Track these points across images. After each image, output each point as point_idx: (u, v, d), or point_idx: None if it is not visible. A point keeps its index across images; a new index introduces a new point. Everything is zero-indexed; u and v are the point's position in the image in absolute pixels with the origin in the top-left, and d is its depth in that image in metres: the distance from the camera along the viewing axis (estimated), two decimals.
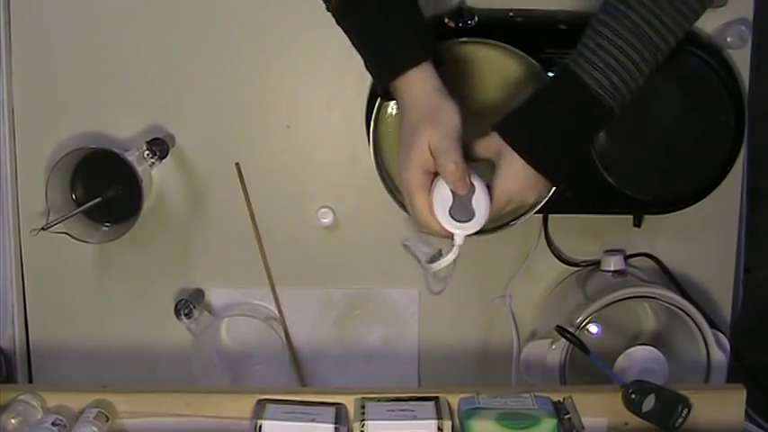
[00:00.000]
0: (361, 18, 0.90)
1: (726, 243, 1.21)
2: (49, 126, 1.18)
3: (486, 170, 0.92)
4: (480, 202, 0.89)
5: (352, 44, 0.92)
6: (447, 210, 0.89)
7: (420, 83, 0.89)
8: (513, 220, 1.06)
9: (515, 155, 0.89)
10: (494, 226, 1.08)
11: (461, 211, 0.89)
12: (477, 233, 0.90)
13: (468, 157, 0.90)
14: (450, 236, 0.91)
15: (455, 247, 0.91)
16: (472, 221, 0.90)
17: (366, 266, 1.22)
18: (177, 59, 1.17)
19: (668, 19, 0.86)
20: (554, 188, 1.00)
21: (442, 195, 0.89)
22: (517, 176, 0.90)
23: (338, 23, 0.92)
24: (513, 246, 1.20)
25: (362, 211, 1.20)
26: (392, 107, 1.08)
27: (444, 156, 0.87)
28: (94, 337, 1.23)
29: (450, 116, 0.88)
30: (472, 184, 0.89)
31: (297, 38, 1.16)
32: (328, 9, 0.92)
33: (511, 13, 1.10)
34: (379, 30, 0.89)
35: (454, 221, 0.89)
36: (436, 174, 0.89)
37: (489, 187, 0.90)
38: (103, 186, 1.15)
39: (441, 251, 1.00)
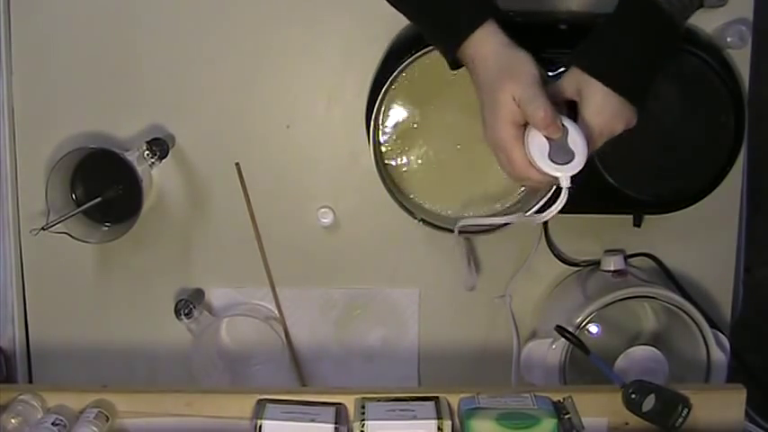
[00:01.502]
0: None
1: (726, 243, 1.21)
2: (49, 126, 1.18)
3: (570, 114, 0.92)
4: (576, 140, 0.89)
5: (411, 20, 0.93)
6: (546, 156, 0.88)
7: (489, 41, 0.89)
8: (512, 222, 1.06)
9: (597, 86, 0.89)
10: (495, 226, 1.09)
11: (560, 153, 0.88)
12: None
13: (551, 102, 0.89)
14: (554, 181, 0.90)
15: (564, 190, 0.90)
16: (574, 161, 0.89)
17: (366, 266, 1.22)
18: (177, 59, 1.17)
19: None
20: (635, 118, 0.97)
21: (538, 143, 0.88)
22: (603, 107, 0.90)
23: (391, 2, 0.93)
24: (513, 246, 1.20)
25: (362, 211, 1.20)
26: (392, 108, 1.09)
27: (532, 105, 0.86)
28: (94, 337, 1.23)
29: (527, 66, 0.88)
30: (564, 126, 0.88)
31: (297, 38, 1.16)
32: None
33: (511, 13, 1.10)
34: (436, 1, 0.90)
35: (557, 165, 0.89)
36: (525, 125, 0.89)
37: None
38: (103, 186, 1.15)
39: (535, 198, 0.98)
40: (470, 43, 0.89)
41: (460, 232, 1.07)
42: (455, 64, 0.93)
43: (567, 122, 0.89)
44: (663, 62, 0.93)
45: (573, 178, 0.89)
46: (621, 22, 0.91)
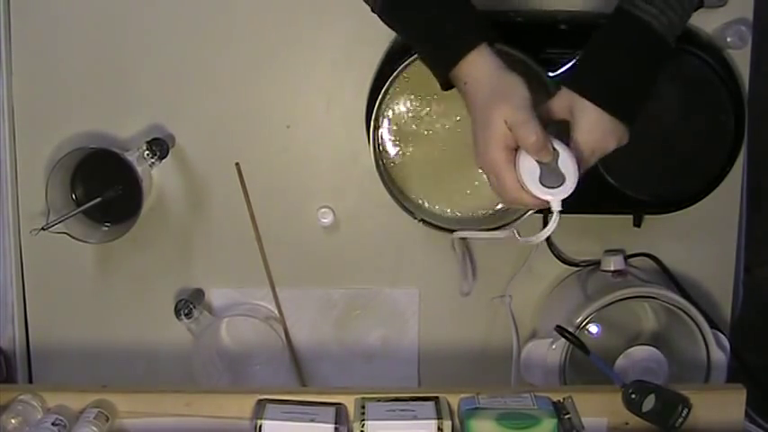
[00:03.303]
0: (412, 11, 0.90)
1: (726, 243, 1.21)
2: (49, 126, 1.18)
3: (561, 134, 0.92)
4: (567, 163, 0.89)
5: (405, 39, 0.93)
6: (537, 179, 0.89)
7: (481, 64, 0.89)
8: (513, 221, 1.06)
9: (589, 105, 0.90)
10: (494, 226, 1.09)
11: (551, 177, 0.89)
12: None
13: (542, 123, 0.89)
14: (546, 204, 0.90)
15: (554, 214, 0.90)
16: (564, 185, 0.89)
17: (366, 266, 1.22)
18: (177, 59, 1.17)
19: None
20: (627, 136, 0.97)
21: (529, 167, 0.89)
22: (595, 126, 0.90)
23: (386, 21, 0.93)
24: (513, 246, 1.20)
25: (362, 211, 1.20)
26: (392, 108, 1.09)
27: (523, 129, 0.87)
28: (94, 337, 1.23)
29: (519, 89, 0.88)
30: (555, 149, 0.89)
31: (297, 38, 1.16)
32: (373, 10, 0.92)
33: (511, 13, 1.10)
34: (432, 20, 0.90)
35: (547, 189, 0.89)
36: (516, 148, 0.89)
37: (569, 146, 0.90)
38: (103, 186, 1.15)
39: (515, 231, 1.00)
40: (463, 66, 0.89)
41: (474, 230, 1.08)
42: (446, 85, 0.93)
43: (559, 145, 0.89)
44: (654, 79, 0.94)
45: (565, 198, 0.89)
46: (610, 41, 0.91)
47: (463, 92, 0.91)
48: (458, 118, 1.09)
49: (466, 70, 0.89)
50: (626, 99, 0.91)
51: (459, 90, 0.91)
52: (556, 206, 0.90)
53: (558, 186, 0.89)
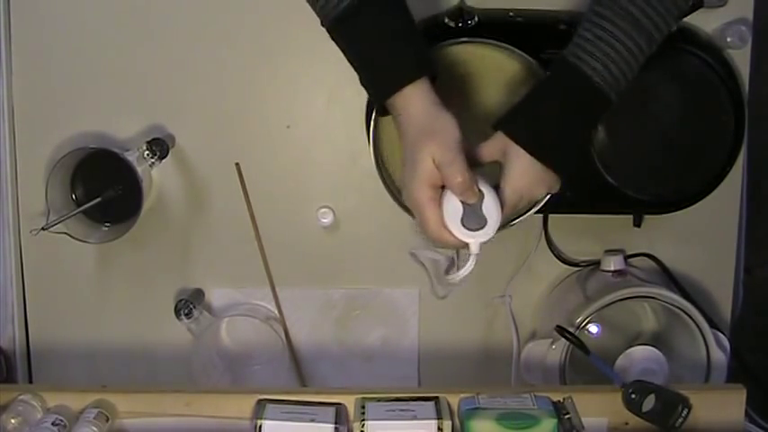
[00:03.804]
0: (356, 34, 0.89)
1: (726, 243, 1.21)
2: (49, 126, 1.18)
3: (491, 173, 0.92)
4: (491, 207, 0.89)
5: (347, 58, 0.91)
6: (459, 220, 0.89)
7: (417, 99, 0.88)
8: (513, 220, 1.06)
9: (521, 151, 0.89)
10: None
11: (473, 219, 0.89)
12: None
13: (473, 162, 0.90)
14: (466, 246, 0.90)
15: (472, 257, 0.91)
16: (485, 228, 0.90)
17: (366, 266, 1.22)
18: (177, 60, 1.17)
19: (661, 7, 0.87)
20: (558, 185, 0.99)
21: (452, 207, 0.89)
22: (525, 172, 0.90)
23: (333, 38, 0.92)
24: (513, 246, 1.20)
25: (362, 211, 1.20)
26: None
27: (449, 168, 0.87)
28: (94, 337, 1.23)
29: (449, 129, 0.88)
30: (480, 191, 0.89)
31: (297, 38, 1.16)
32: (323, 24, 0.91)
33: (511, 13, 1.10)
34: (374, 47, 0.89)
35: (468, 231, 0.89)
36: (442, 187, 0.89)
37: (498, 188, 0.91)
38: (103, 186, 1.15)
39: (453, 259, 1.00)
40: (398, 98, 0.88)
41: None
42: (383, 111, 0.93)
43: (484, 187, 0.89)
44: (588, 132, 0.95)
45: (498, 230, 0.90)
46: (548, 90, 0.91)
47: (397, 123, 0.91)
48: (458, 118, 1.09)
49: (401, 103, 0.89)
50: (559, 150, 0.90)
51: (394, 120, 0.91)
52: (474, 249, 0.90)
53: (479, 229, 0.89)
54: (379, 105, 0.93)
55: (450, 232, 0.89)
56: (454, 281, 0.95)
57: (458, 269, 0.94)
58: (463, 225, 0.89)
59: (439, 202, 0.89)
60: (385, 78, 0.89)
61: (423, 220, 0.90)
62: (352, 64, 0.92)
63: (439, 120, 0.88)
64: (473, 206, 0.89)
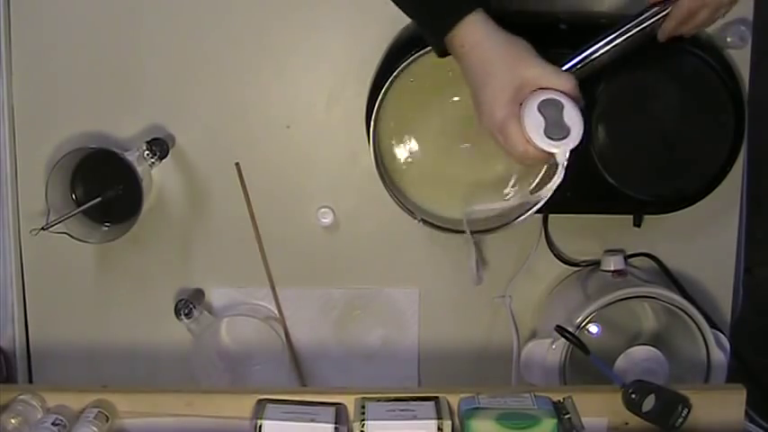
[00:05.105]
0: None
1: (726, 243, 1.21)
2: (49, 126, 1.18)
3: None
4: (572, 114, 0.89)
5: (400, 7, 0.93)
6: (542, 132, 0.88)
7: (479, 27, 0.89)
8: (513, 220, 1.06)
9: None
10: (495, 226, 1.09)
11: (556, 129, 0.88)
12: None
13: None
14: (550, 158, 0.90)
15: (560, 167, 0.90)
16: (570, 135, 0.89)
17: (366, 266, 1.22)
18: (177, 59, 1.17)
19: None
20: None
21: (534, 120, 0.88)
22: None
23: None
24: (513, 246, 1.20)
25: (362, 211, 1.20)
26: (392, 108, 1.09)
27: (554, 75, 0.88)
28: (94, 337, 1.23)
29: (530, 47, 0.89)
30: (560, 102, 0.88)
31: (297, 38, 1.16)
32: None
33: (511, 14, 1.10)
34: None
35: (553, 141, 0.89)
36: (520, 104, 0.89)
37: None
38: (103, 186, 1.15)
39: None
40: (459, 30, 0.89)
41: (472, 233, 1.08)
42: (442, 51, 0.93)
43: (563, 98, 0.89)
44: None
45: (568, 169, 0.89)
46: None
47: (460, 56, 0.91)
48: (458, 118, 1.09)
49: (462, 34, 0.89)
50: None
51: (456, 56, 0.91)
52: (561, 158, 0.89)
53: (565, 138, 0.89)
54: (439, 44, 0.93)
55: (535, 145, 0.89)
56: (546, 194, 0.95)
57: (542, 185, 0.93)
58: (547, 136, 0.88)
59: (519, 119, 0.89)
60: (444, 11, 0.90)
61: (507, 137, 0.89)
62: (406, 11, 0.93)
63: (514, 41, 0.89)
64: (554, 116, 0.88)
